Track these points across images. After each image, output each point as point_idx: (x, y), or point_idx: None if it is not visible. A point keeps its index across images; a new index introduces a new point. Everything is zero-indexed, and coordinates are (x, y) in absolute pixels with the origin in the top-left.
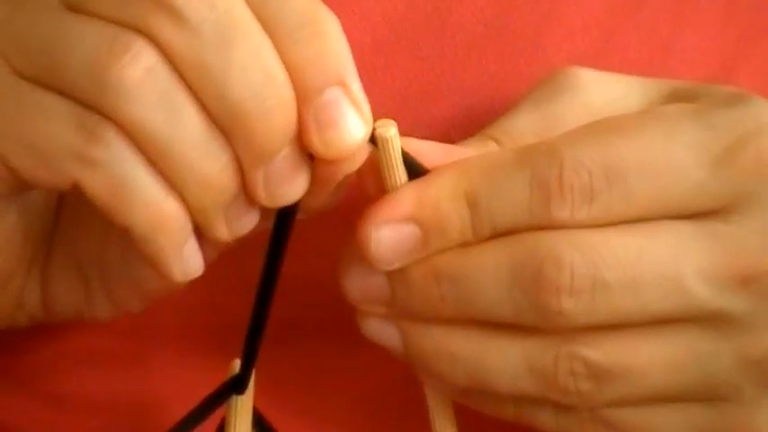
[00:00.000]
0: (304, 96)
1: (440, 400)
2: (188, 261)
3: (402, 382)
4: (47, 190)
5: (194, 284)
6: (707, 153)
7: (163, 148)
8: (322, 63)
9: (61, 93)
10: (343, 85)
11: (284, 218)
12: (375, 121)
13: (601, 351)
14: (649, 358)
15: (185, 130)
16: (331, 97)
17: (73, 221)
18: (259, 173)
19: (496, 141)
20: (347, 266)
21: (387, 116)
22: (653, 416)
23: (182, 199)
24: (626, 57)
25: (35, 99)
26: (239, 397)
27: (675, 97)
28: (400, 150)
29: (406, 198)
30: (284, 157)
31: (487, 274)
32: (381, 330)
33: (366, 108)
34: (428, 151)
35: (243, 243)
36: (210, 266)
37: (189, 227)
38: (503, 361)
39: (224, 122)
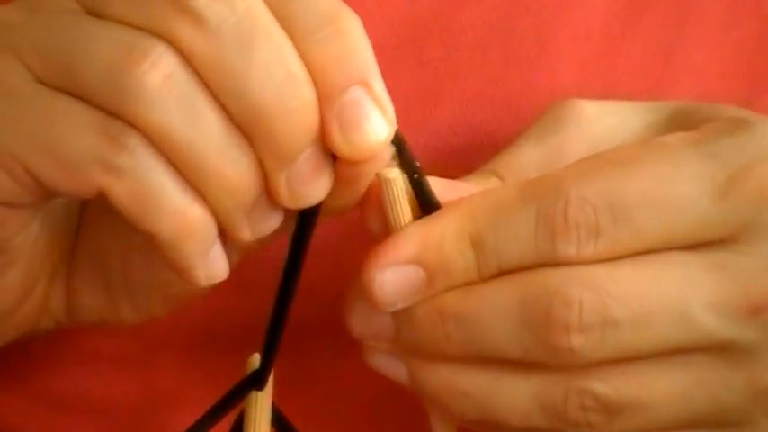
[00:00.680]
0: (326, 96)
1: (446, 428)
2: (213, 265)
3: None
4: (71, 197)
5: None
6: (710, 183)
7: (186, 153)
8: (344, 63)
9: (83, 99)
10: (365, 84)
11: (306, 218)
12: None
13: (611, 385)
14: (660, 390)
15: (207, 134)
16: (354, 97)
17: (96, 227)
18: (282, 174)
19: (499, 177)
20: (351, 304)
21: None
22: None
23: (206, 203)
24: (628, 63)
25: (58, 106)
26: (258, 393)
27: (675, 120)
28: (403, 191)
29: (409, 240)
30: (307, 157)
31: (494, 312)
32: (387, 364)
33: (389, 108)
34: (433, 187)
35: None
36: None
37: (214, 232)
38: (512, 397)
39: (246, 124)
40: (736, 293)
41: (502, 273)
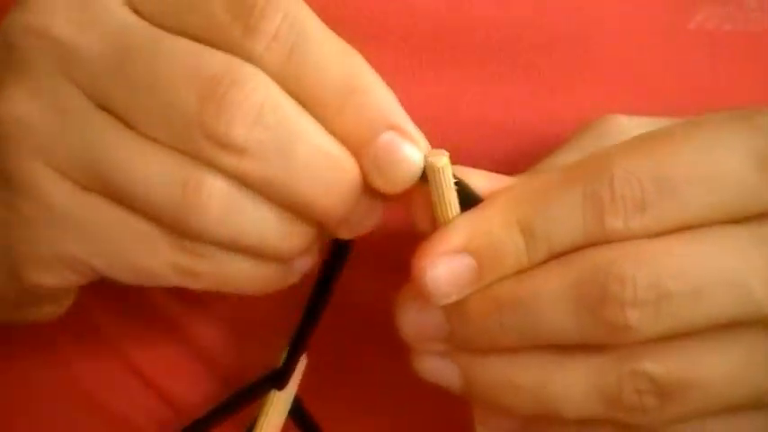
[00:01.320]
0: (360, 151)
1: None
2: None
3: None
4: None
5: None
6: (755, 154)
7: (256, 249)
8: (370, 119)
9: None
10: (393, 128)
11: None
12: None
13: (664, 366)
14: (712, 369)
15: (268, 233)
16: (384, 141)
17: None
18: (340, 226)
19: None
20: (402, 305)
21: None
22: (717, 428)
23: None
24: (658, 97)
25: (118, 217)
26: (277, 392)
27: None
28: (452, 180)
29: (458, 230)
30: (359, 205)
31: (548, 297)
32: (439, 368)
33: (422, 140)
34: (476, 180)
35: None
36: None
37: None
38: (568, 386)
39: (302, 210)
40: None
41: (553, 256)
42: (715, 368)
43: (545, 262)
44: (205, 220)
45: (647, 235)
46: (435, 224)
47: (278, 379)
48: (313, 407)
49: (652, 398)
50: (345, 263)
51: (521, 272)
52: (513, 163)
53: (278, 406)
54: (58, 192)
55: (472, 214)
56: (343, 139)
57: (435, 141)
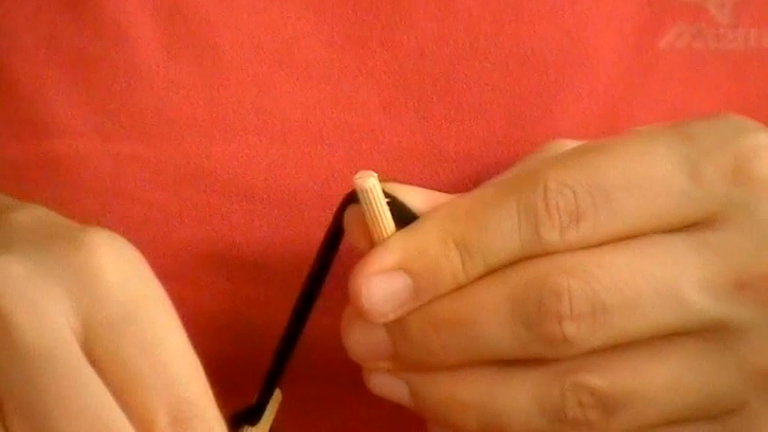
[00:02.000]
0: None
1: None
2: None
3: None
4: None
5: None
6: (687, 163)
7: None
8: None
9: None
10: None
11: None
12: (355, 174)
13: (605, 378)
14: (653, 379)
15: None
16: None
17: None
18: None
19: None
20: (348, 324)
21: (390, 176)
22: None
23: None
24: (633, 122)
25: None
26: (251, 429)
27: None
28: (383, 200)
29: (393, 248)
30: None
31: (486, 313)
32: (388, 385)
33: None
34: (413, 197)
35: (243, 296)
36: (212, 318)
37: None
38: (512, 401)
39: None
40: (722, 270)
41: (490, 271)
42: (656, 378)
43: (483, 277)
44: None
45: (584, 245)
46: (372, 244)
47: (252, 414)
48: None
49: (595, 411)
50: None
51: (458, 288)
52: None
53: None
54: None
55: (406, 232)
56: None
57: (417, 177)
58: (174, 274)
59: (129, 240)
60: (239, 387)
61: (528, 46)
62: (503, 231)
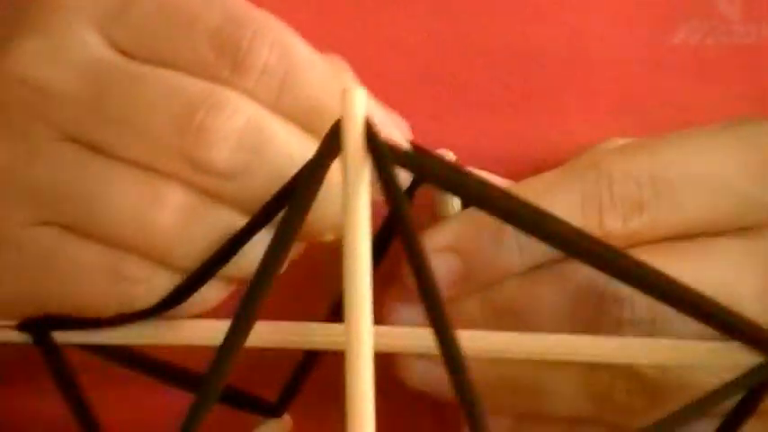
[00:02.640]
0: None
1: None
2: None
3: None
4: None
5: None
6: (747, 165)
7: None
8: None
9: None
10: None
11: None
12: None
13: (656, 367)
14: (700, 373)
15: None
16: None
17: None
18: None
19: None
20: (392, 305)
21: None
22: None
23: None
24: (645, 119)
25: (74, 248)
26: (270, 422)
27: None
28: None
29: (448, 229)
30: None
31: (545, 309)
32: (426, 372)
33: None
34: None
35: None
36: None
37: None
38: (560, 385)
39: None
40: None
41: (548, 261)
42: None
43: (539, 266)
44: (166, 233)
45: (644, 237)
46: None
47: (274, 409)
48: None
49: (641, 398)
50: None
51: (513, 276)
52: None
53: None
54: (17, 230)
55: (464, 214)
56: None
57: None
58: None
59: None
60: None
61: (537, 42)
62: (566, 218)
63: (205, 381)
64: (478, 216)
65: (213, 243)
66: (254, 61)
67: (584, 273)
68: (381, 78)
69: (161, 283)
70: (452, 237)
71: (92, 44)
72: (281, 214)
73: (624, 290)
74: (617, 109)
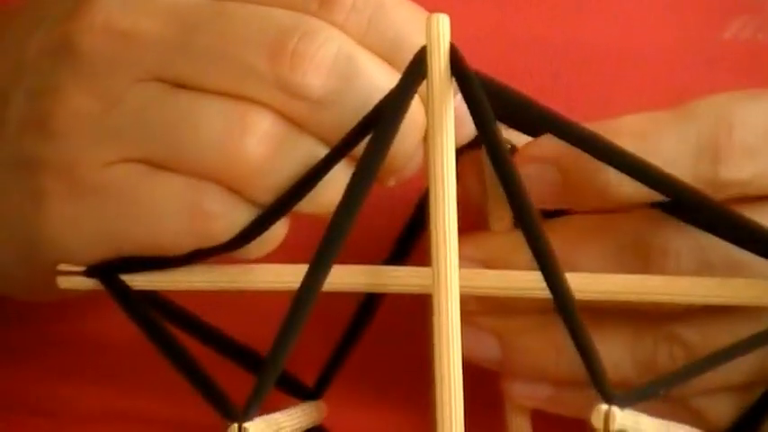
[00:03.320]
0: None
1: (521, 420)
2: None
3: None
4: None
5: None
6: None
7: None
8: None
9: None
10: None
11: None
12: None
13: (699, 332)
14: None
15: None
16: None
17: None
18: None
19: None
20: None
21: None
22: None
23: None
24: None
25: (161, 183)
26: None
27: None
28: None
29: (549, 143)
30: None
31: (591, 259)
32: (475, 341)
33: None
34: None
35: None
36: None
37: None
38: (605, 348)
39: None
40: None
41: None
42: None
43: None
44: (253, 160)
45: (753, 186)
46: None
47: (312, 391)
48: None
49: (683, 363)
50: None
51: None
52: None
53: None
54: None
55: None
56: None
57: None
58: None
59: None
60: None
61: (586, 36)
62: (675, 159)
63: (282, 327)
64: None
65: (296, 177)
66: None
67: (631, 224)
68: None
69: (239, 219)
70: (553, 150)
71: None
72: (364, 143)
73: (671, 242)
74: (665, 103)
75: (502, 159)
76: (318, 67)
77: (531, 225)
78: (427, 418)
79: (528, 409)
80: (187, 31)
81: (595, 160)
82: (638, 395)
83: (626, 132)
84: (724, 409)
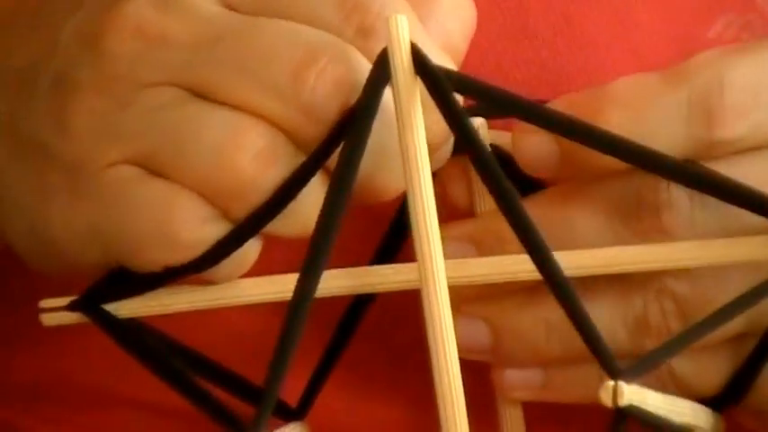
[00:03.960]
0: None
1: (513, 414)
2: None
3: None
4: None
5: None
6: None
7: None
8: None
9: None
10: None
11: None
12: None
13: (688, 284)
14: (734, 290)
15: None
16: None
17: None
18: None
19: None
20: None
21: None
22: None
23: None
24: None
25: (158, 188)
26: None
27: None
28: (488, 141)
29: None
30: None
31: (579, 227)
32: (465, 329)
33: None
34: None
35: None
36: None
37: None
38: (594, 314)
39: None
40: None
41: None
42: (736, 289)
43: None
44: (243, 178)
45: (747, 143)
46: (471, 193)
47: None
48: None
49: (677, 320)
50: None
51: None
52: None
53: None
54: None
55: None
56: None
57: None
58: None
59: None
60: None
61: (577, 25)
62: (668, 125)
63: (281, 336)
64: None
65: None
66: (381, 27)
67: (615, 186)
68: None
69: (209, 234)
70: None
71: (205, 3)
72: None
73: (661, 180)
74: None
75: (478, 150)
76: (340, 93)
77: (513, 209)
78: (427, 417)
79: (520, 402)
80: (213, 41)
81: None
82: (644, 366)
83: (617, 100)
84: (708, 371)
